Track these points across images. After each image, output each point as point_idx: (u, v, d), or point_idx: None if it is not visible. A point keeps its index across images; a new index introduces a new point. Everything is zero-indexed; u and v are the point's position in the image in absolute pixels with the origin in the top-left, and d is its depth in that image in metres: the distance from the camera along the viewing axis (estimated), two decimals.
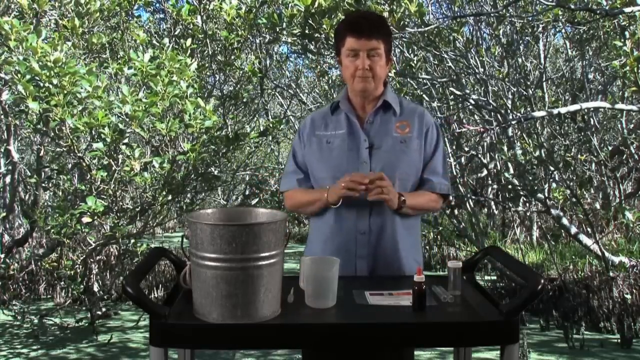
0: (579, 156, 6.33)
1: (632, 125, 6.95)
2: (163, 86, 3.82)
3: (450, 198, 2.85)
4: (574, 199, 5.63)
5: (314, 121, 2.14)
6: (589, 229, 5.70)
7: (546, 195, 5.29)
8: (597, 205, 7.09)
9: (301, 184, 2.14)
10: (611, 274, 5.03)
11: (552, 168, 5.35)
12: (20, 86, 3.57)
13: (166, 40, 4.29)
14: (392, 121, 2.07)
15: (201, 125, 3.92)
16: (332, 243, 2.05)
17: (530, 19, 5.41)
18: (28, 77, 3.58)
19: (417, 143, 2.05)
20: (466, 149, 6.35)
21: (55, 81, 3.61)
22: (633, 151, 6.09)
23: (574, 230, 5.52)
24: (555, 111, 4.75)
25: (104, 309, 4.80)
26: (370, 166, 2.01)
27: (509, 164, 5.88)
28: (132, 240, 4.57)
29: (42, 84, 3.62)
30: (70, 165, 5.86)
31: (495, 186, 7.04)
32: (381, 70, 2.02)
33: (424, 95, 5.66)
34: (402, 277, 1.99)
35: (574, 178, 6.21)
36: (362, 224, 2.01)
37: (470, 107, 5.83)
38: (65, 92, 3.63)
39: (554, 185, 5.61)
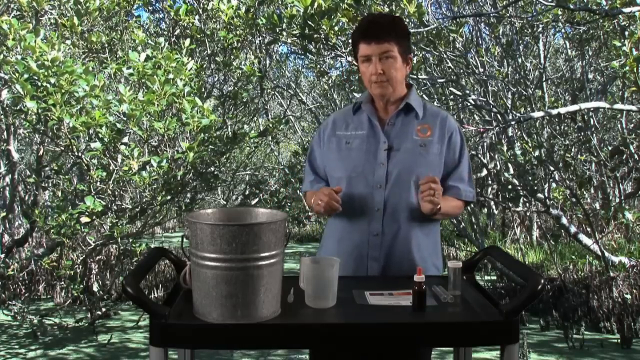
0: (579, 156, 6.33)
1: (632, 125, 6.95)
2: (160, 85, 3.82)
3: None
4: (573, 199, 5.63)
5: (335, 121, 2.14)
6: (588, 229, 5.70)
7: (546, 195, 5.28)
8: (597, 205, 7.09)
9: (313, 186, 2.16)
10: (611, 274, 5.03)
11: (552, 168, 5.35)
12: (18, 85, 3.57)
13: (161, 39, 4.29)
14: (413, 124, 2.05)
15: (198, 124, 3.92)
16: (345, 243, 2.05)
17: (530, 19, 5.41)
18: (26, 76, 3.58)
19: (438, 147, 2.03)
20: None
21: (52, 80, 3.60)
22: (633, 151, 6.09)
23: (573, 230, 5.52)
24: (554, 111, 4.75)
25: (103, 309, 4.79)
26: (387, 168, 2.01)
27: (509, 164, 5.88)
28: (131, 240, 4.57)
29: (39, 83, 3.62)
30: (69, 165, 5.86)
31: (495, 186, 7.03)
32: (397, 72, 2.00)
33: (423, 95, 5.65)
34: (402, 277, 1.98)
35: (574, 178, 6.21)
36: (375, 226, 2.01)
37: (470, 107, 5.83)
38: (63, 91, 3.63)
39: (553, 185, 5.61)
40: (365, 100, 2.09)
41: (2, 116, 5.11)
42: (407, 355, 1.98)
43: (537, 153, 5.26)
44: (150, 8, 5.68)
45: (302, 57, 7.63)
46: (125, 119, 3.82)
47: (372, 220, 2.01)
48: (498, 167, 6.16)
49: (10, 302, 4.92)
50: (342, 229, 2.06)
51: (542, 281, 1.54)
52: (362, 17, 2.18)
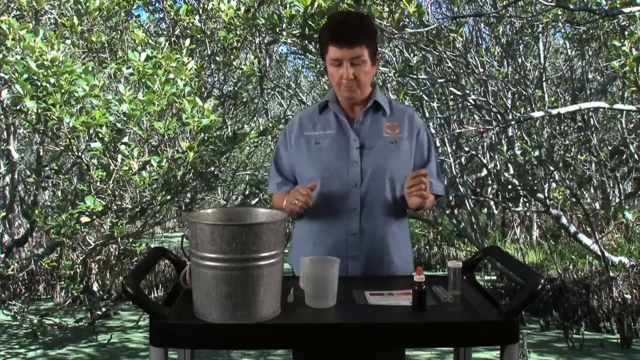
0: (578, 156, 6.33)
1: (632, 125, 6.95)
2: (160, 84, 3.82)
3: (447, 198, 2.89)
4: (573, 199, 5.63)
5: (301, 122, 2.12)
6: (588, 229, 5.70)
7: (546, 195, 5.28)
8: (597, 205, 7.09)
9: (280, 188, 2.15)
10: (611, 274, 5.03)
11: (552, 168, 5.35)
12: (18, 85, 3.57)
13: (162, 39, 4.29)
14: (382, 121, 2.07)
15: (198, 124, 3.92)
16: (322, 244, 2.04)
17: (530, 19, 5.41)
18: (25, 76, 3.58)
19: (408, 144, 2.06)
20: (466, 149, 6.35)
21: (52, 80, 3.60)
22: (633, 151, 6.09)
23: (573, 230, 5.52)
24: (554, 111, 4.75)
25: (103, 309, 4.79)
26: (360, 166, 2.01)
27: (509, 164, 5.88)
28: (131, 240, 4.56)
29: (39, 83, 3.62)
30: (69, 165, 5.86)
31: (495, 186, 7.03)
32: (366, 76, 2.00)
33: (423, 96, 5.65)
34: (402, 277, 1.98)
35: (574, 178, 6.20)
36: (353, 225, 2.01)
37: (470, 107, 5.83)
38: (63, 91, 3.62)
39: (553, 185, 5.61)
40: (332, 99, 2.09)
41: (2, 116, 5.11)
42: (392, 355, 1.99)
43: (537, 153, 5.25)
44: (150, 8, 5.68)
45: (302, 57, 7.63)
46: (125, 118, 3.81)
47: (349, 219, 2.01)
48: (498, 167, 6.16)
49: (10, 302, 4.92)
50: (317, 230, 2.06)
51: (542, 281, 1.54)
52: (329, 16, 2.16)
